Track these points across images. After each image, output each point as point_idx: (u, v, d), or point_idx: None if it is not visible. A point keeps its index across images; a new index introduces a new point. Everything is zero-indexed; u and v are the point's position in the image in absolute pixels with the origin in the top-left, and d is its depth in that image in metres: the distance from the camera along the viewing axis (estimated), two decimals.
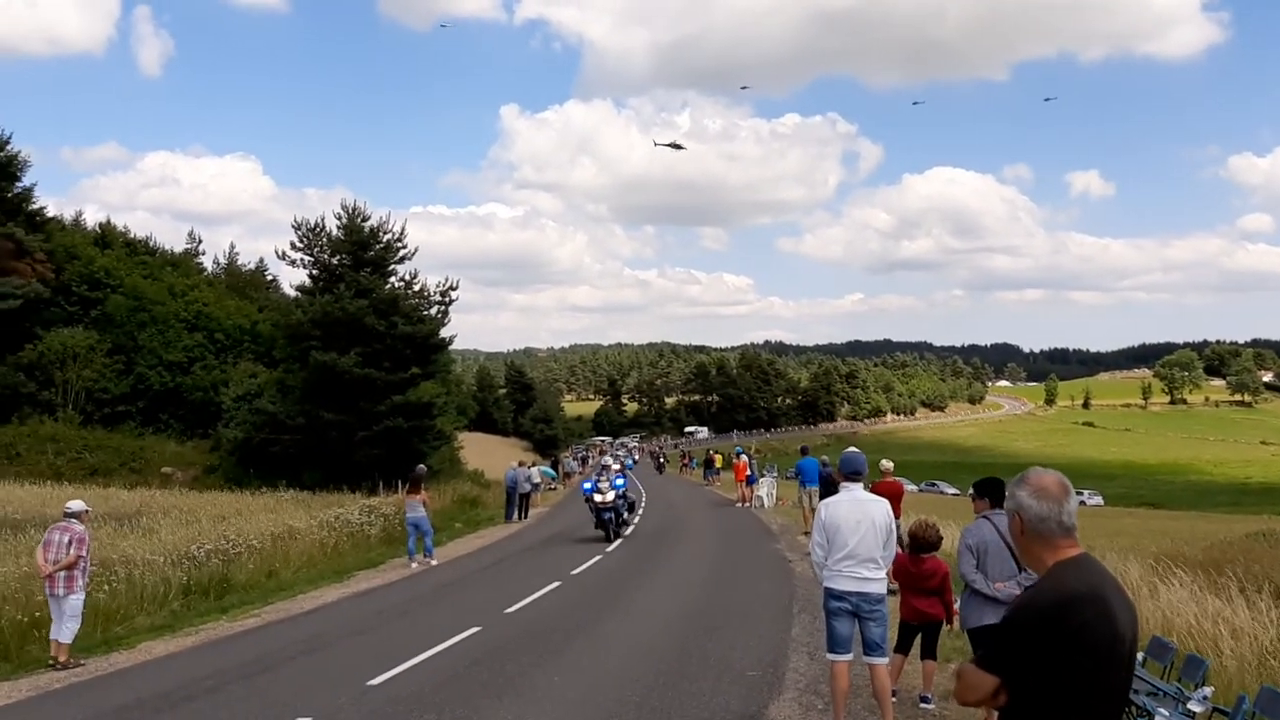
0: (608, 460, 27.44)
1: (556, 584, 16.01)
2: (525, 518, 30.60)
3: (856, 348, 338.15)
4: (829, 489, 15.25)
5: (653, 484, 50.07)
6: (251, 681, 9.89)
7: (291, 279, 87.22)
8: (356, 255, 40.91)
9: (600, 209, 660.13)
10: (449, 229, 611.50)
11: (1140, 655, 7.81)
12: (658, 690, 8.90)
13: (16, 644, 11.36)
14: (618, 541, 22.43)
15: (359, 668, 10.08)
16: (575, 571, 17.53)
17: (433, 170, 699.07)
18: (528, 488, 31.79)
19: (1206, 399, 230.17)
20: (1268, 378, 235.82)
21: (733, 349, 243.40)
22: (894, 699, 7.74)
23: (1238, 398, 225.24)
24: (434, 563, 19.53)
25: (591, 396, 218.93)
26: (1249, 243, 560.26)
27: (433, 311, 42.20)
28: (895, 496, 14.81)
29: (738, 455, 36.21)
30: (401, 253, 42.03)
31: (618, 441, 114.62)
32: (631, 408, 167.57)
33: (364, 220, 41.20)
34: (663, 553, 20.75)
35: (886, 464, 15.57)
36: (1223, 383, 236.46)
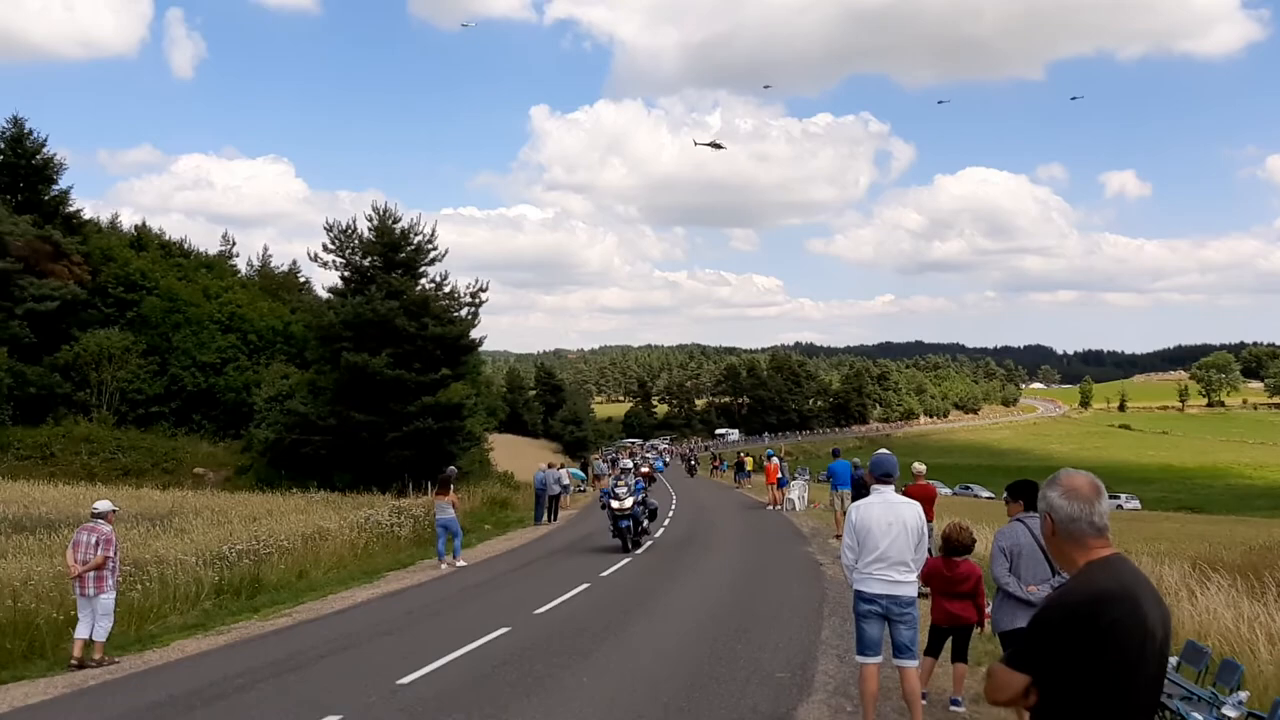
0: (626, 463, 25.89)
1: (585, 585, 16.00)
2: (554, 520, 30.61)
3: (888, 349, 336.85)
4: (861, 492, 15.16)
5: (684, 486, 50.02)
6: (282, 680, 9.94)
7: (323, 281, 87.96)
8: (387, 257, 41.16)
9: (630, 210, 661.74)
10: (479, 230, 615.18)
11: (1175, 660, 7.69)
12: (686, 691, 8.86)
13: (52, 641, 11.48)
14: (645, 545, 22.23)
15: (389, 667, 10.11)
16: (604, 573, 17.51)
17: (463, 172, 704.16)
18: (557, 490, 31.80)
19: (1244, 401, 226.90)
20: None
21: (763, 350, 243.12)
22: (924, 702, 7.67)
23: (1276, 400, 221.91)
24: (462, 564, 19.58)
25: (621, 398, 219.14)
26: None
27: (463, 313, 42.36)
28: (927, 500, 14.69)
29: (768, 458, 36.08)
30: (432, 254, 42.25)
31: (648, 443, 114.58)
32: (661, 409, 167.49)
33: (395, 222, 41.45)
34: (692, 555, 20.70)
35: (919, 467, 15.43)
36: (1261, 385, 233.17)
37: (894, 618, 7.18)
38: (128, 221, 65.78)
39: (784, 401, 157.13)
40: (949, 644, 8.30)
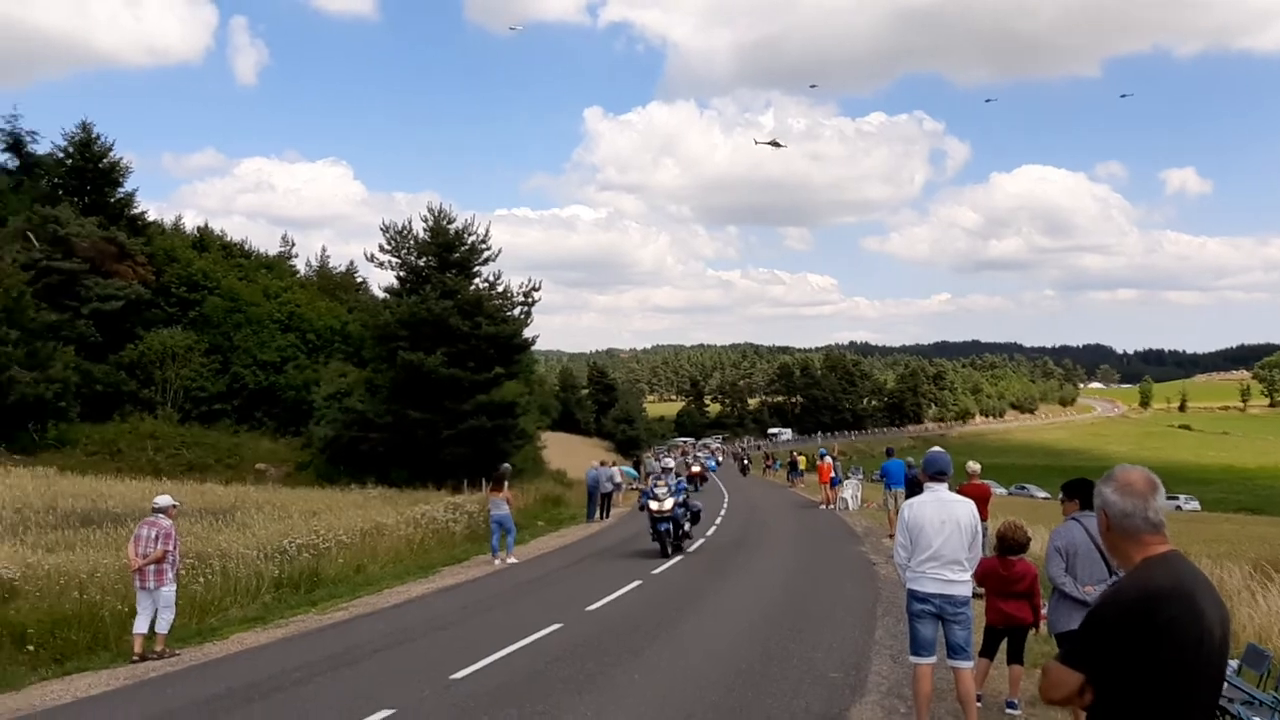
0: (668, 462, 25.51)
1: (638, 583, 16.02)
2: (607, 517, 30.70)
3: (943, 349, 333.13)
4: (915, 491, 15.01)
5: (736, 485, 49.86)
6: (338, 673, 10.09)
7: (380, 281, 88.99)
8: (442, 257, 41.60)
9: (683, 209, 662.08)
10: (532, 231, 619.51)
11: (1235, 663, 7.53)
12: (737, 690, 8.85)
13: (116, 634, 11.73)
14: (688, 549, 21.91)
15: (442, 661, 10.22)
16: (656, 571, 17.52)
17: (517, 173, 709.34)
18: (609, 487, 31.89)
19: None
20: None
21: (817, 350, 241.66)
22: (979, 704, 7.58)
23: None
24: (514, 561, 19.70)
25: (673, 397, 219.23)
26: None
27: (516, 312, 42.69)
28: (982, 499, 14.49)
29: (821, 457, 35.84)
30: (486, 254, 42.65)
31: (700, 442, 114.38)
32: (714, 409, 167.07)
33: (449, 223, 41.90)
34: (744, 554, 20.63)
35: (973, 466, 15.23)
36: None
37: (948, 617, 7.09)
38: (190, 224, 67.25)
39: (838, 401, 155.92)
40: (1004, 645, 8.20)
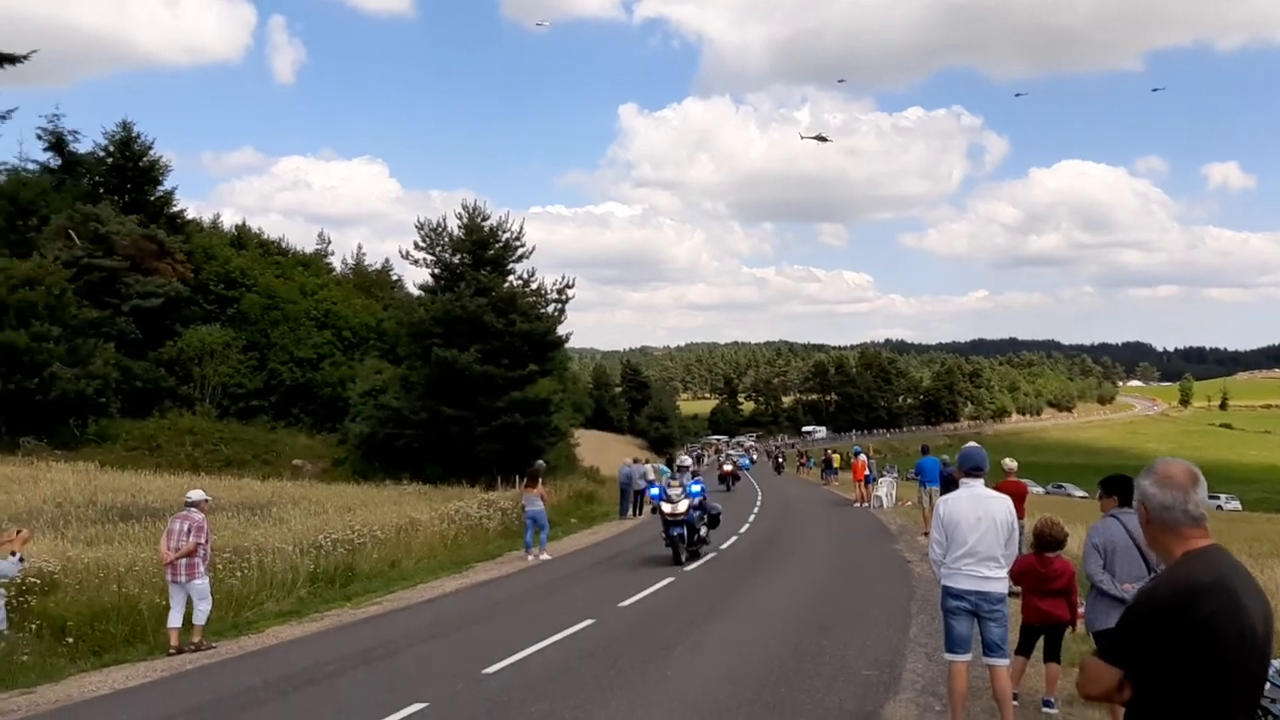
0: (685, 460, 22.37)
1: (670, 579, 16.00)
2: (639, 514, 30.68)
3: (980, 346, 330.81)
4: (950, 489, 14.87)
5: (770, 484, 49.74)
6: (372, 667, 10.15)
7: (415, 278, 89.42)
8: (476, 254, 41.75)
9: (718, 206, 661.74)
10: (567, 228, 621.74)
11: (1278, 663, 7.38)
12: (770, 687, 8.80)
13: (153, 626, 11.87)
14: (730, 540, 22.00)
15: (475, 656, 10.24)
16: (690, 568, 17.49)
17: (552, 170, 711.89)
18: (642, 485, 31.87)
19: None
20: None
21: (852, 348, 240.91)
22: (1015, 703, 7.49)
23: None
24: (546, 557, 19.72)
25: (707, 395, 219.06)
26: None
27: (550, 309, 42.76)
28: (1018, 497, 14.31)
29: (856, 455, 35.68)
30: (520, 251, 42.74)
31: (733, 440, 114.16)
32: (748, 406, 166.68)
33: (484, 220, 42.03)
34: (777, 551, 20.55)
35: (1010, 463, 15.05)
36: None
37: (984, 614, 7.00)
38: (229, 221, 67.88)
39: (873, 399, 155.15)
40: (1041, 644, 8.10)
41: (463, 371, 37.53)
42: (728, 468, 45.21)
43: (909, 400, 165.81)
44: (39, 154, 52.19)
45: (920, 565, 16.78)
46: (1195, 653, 2.65)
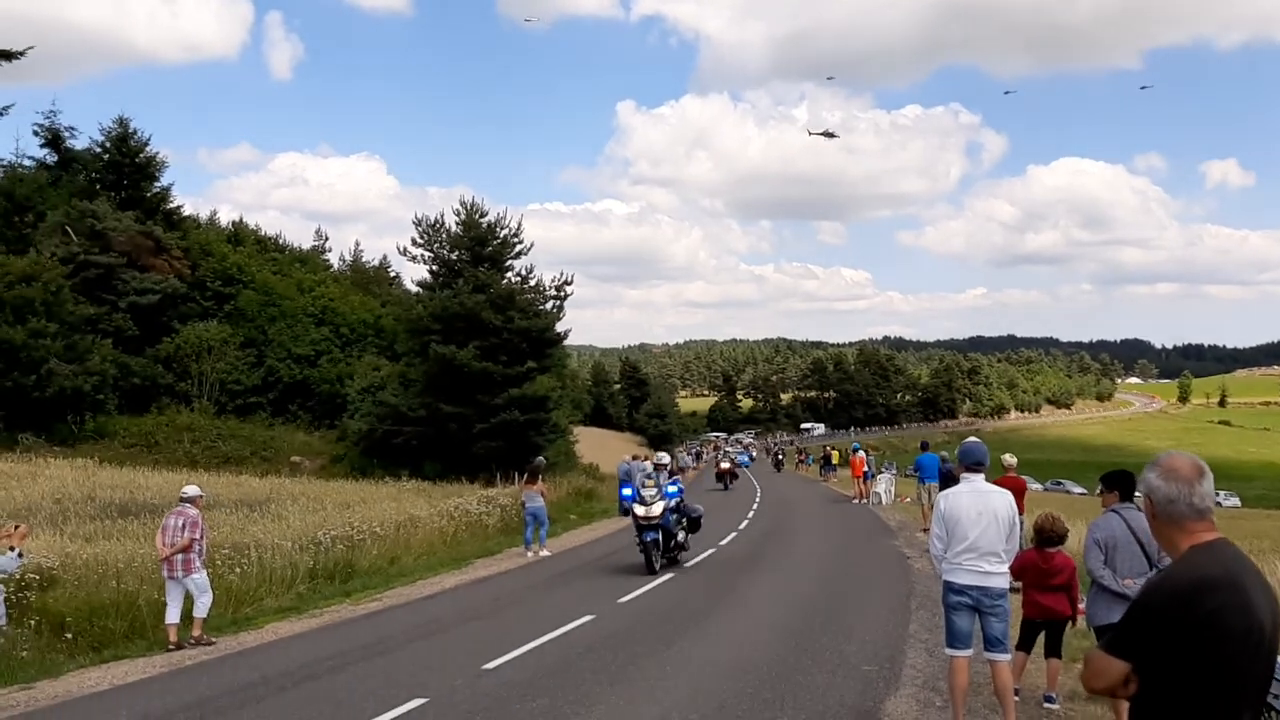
0: (662, 457, 19.85)
1: (670, 575, 16.01)
2: None
3: (979, 343, 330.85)
4: (948, 486, 14.85)
5: (769, 482, 49.78)
6: (371, 662, 10.13)
7: (413, 274, 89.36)
8: (474, 251, 41.69)
9: (716, 204, 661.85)
10: (565, 225, 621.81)
11: None
12: (770, 681, 8.79)
13: (152, 622, 11.84)
14: (730, 536, 21.99)
15: (474, 652, 10.24)
16: (689, 564, 17.49)
17: (550, 167, 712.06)
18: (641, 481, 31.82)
19: None
20: None
21: (850, 345, 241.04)
22: (1017, 698, 7.48)
23: None
24: (546, 553, 19.72)
25: (706, 392, 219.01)
26: None
27: (548, 306, 42.69)
28: (1017, 493, 14.28)
29: (854, 451, 35.72)
30: (518, 248, 42.65)
31: (732, 437, 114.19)
32: (746, 404, 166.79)
33: (482, 217, 41.95)
34: (777, 546, 20.55)
35: (1009, 459, 15.05)
36: None
37: (985, 610, 6.98)
38: (225, 218, 67.80)
39: (871, 396, 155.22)
40: (1042, 639, 8.09)
41: (461, 368, 37.49)
42: (725, 466, 44.62)
43: (907, 397, 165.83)
44: (35, 150, 51.95)
45: (919, 561, 16.80)
46: (1201, 647, 2.63)
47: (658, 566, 16.39)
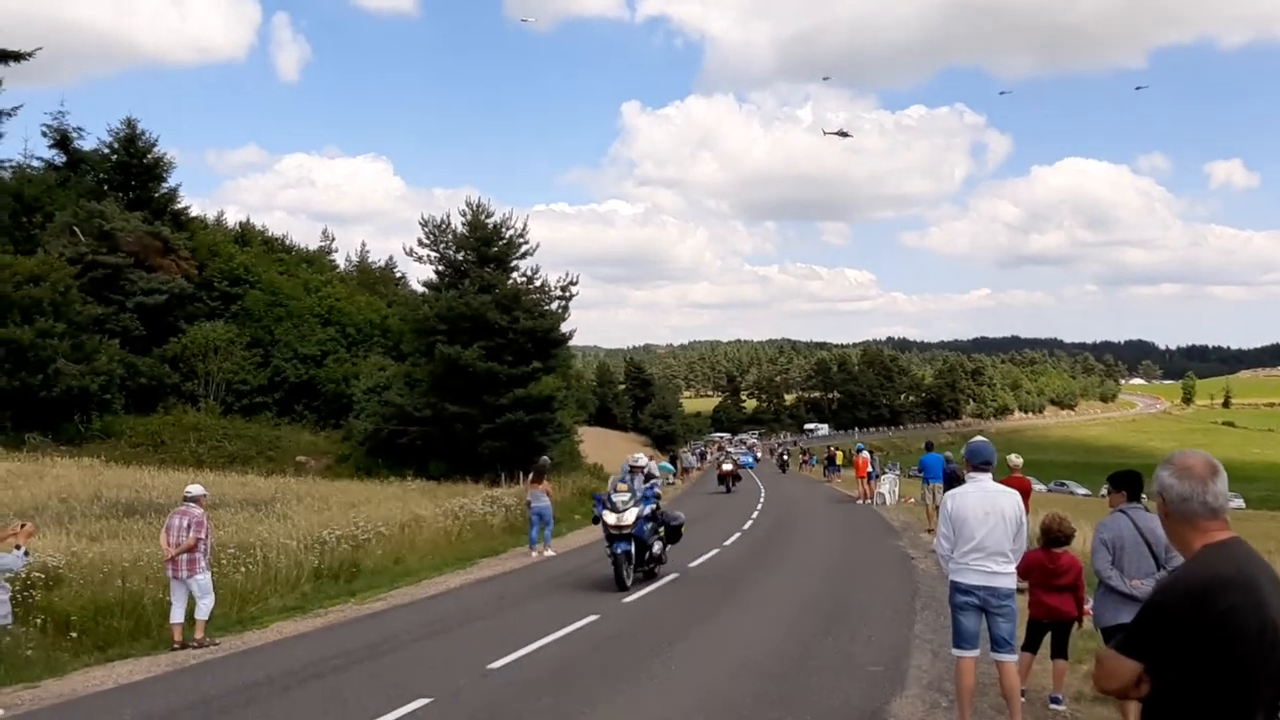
0: (640, 458, 17.32)
1: (674, 576, 15.98)
2: None
3: (983, 344, 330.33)
4: (953, 486, 14.82)
5: (774, 481, 49.79)
6: (376, 662, 10.13)
7: (419, 275, 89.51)
8: (480, 251, 41.72)
9: (721, 205, 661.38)
10: (570, 226, 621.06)
11: None
12: (776, 682, 8.78)
13: (157, 621, 11.82)
14: (734, 536, 21.88)
15: (479, 651, 10.23)
16: (693, 564, 17.47)
17: (555, 168, 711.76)
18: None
19: None
20: None
21: (854, 345, 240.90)
22: (1023, 699, 7.45)
23: None
24: (551, 553, 19.71)
25: (710, 393, 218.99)
26: None
27: (553, 307, 42.71)
28: (1023, 493, 14.28)
29: (858, 451, 35.69)
30: (523, 249, 42.68)
31: (737, 438, 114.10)
32: (750, 404, 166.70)
33: (487, 217, 41.98)
34: (781, 547, 20.53)
35: (1015, 459, 15.01)
36: None
37: (991, 610, 6.96)
38: (233, 219, 67.86)
39: (875, 397, 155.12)
40: (1048, 639, 8.07)
41: (466, 368, 37.52)
42: (727, 467, 43.63)
43: (911, 398, 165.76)
44: (44, 151, 52.18)
45: (924, 562, 16.77)
46: (1214, 647, 2.60)
47: (629, 582, 14.60)
